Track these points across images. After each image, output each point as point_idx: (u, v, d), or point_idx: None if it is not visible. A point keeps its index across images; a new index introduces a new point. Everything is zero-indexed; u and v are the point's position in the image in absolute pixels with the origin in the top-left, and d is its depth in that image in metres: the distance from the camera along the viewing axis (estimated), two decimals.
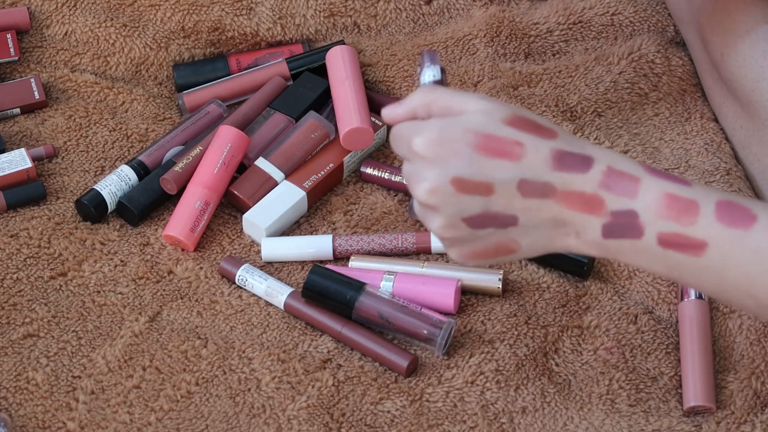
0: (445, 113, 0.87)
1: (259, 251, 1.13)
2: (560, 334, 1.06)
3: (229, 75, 1.27)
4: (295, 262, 1.12)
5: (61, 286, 1.09)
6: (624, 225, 0.83)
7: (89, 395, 1.02)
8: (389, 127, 1.22)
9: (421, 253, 1.12)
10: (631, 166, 0.84)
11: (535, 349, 1.05)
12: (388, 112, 0.91)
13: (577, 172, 0.83)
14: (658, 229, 0.82)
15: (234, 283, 1.10)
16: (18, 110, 1.22)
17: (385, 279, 1.08)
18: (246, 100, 1.24)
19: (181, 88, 1.26)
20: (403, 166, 0.89)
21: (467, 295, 1.09)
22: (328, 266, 1.09)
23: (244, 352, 1.05)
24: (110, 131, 1.21)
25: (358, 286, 1.06)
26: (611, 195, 0.83)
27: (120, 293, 1.09)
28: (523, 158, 0.84)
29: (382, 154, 1.21)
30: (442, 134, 0.85)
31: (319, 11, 1.29)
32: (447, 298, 1.06)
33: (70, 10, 1.28)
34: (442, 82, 0.94)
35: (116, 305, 1.08)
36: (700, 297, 1.06)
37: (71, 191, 1.16)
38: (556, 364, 1.04)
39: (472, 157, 0.84)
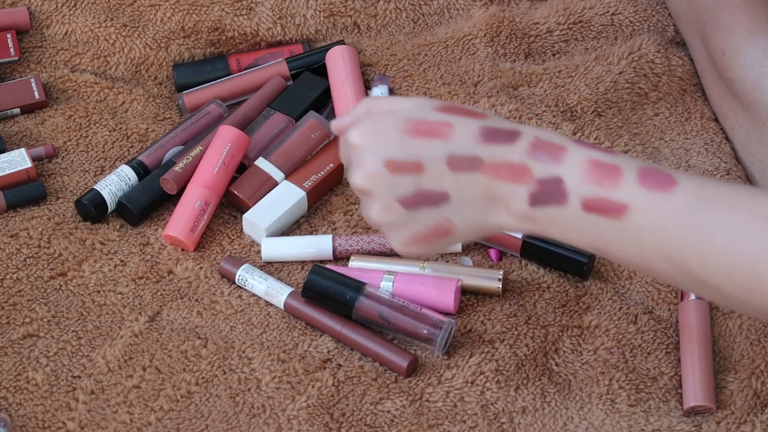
0: (384, 114, 0.91)
1: (259, 251, 1.13)
2: (560, 334, 1.06)
3: (229, 75, 1.27)
4: (295, 262, 1.12)
5: (61, 286, 1.09)
6: (550, 192, 0.84)
7: (89, 395, 1.02)
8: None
9: None
10: (557, 138, 0.86)
11: (535, 349, 1.05)
12: (337, 123, 0.94)
13: (504, 144, 0.86)
14: (582, 193, 0.83)
15: (234, 283, 1.10)
16: (18, 110, 1.22)
17: (385, 279, 1.08)
18: (246, 100, 1.24)
19: (181, 88, 1.26)
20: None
21: (467, 295, 1.09)
22: (328, 266, 1.09)
23: (244, 352, 1.05)
24: (110, 131, 1.21)
25: (358, 286, 1.06)
26: (537, 163, 0.85)
27: (120, 293, 1.09)
28: (451, 136, 0.87)
29: None
30: (376, 125, 0.89)
31: (319, 11, 1.29)
32: (447, 298, 1.06)
33: (70, 10, 1.28)
34: None
35: (116, 305, 1.08)
36: (700, 297, 1.06)
37: (71, 191, 1.16)
38: (556, 364, 1.04)
39: (403, 139, 0.87)
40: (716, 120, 1.22)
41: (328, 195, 1.18)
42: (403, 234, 0.90)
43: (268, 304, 1.09)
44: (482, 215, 0.87)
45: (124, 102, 1.24)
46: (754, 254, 0.78)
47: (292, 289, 1.08)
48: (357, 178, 0.89)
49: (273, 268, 1.12)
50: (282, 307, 1.08)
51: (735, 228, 0.79)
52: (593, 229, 0.83)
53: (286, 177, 1.16)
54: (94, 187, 1.15)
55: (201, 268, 1.11)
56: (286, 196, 1.14)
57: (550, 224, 0.85)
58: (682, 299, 1.07)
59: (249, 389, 1.02)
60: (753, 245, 0.78)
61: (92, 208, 1.13)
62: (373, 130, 0.89)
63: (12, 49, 1.25)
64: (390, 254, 1.12)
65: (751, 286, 0.79)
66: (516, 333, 1.06)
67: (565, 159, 0.84)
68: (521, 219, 0.86)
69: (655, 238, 0.82)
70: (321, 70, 1.25)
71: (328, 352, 1.05)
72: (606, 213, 0.82)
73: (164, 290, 1.10)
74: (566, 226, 0.84)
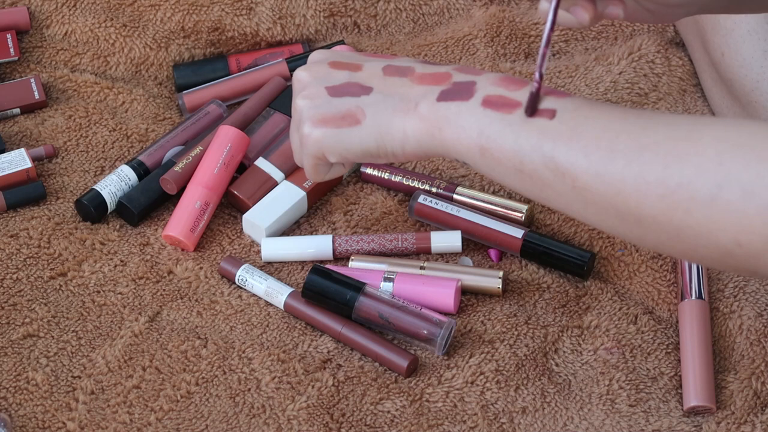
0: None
1: (259, 251, 1.13)
2: (560, 334, 1.06)
3: (229, 75, 1.27)
4: (295, 262, 1.12)
5: (61, 286, 1.09)
6: (459, 90, 0.89)
7: (89, 395, 1.02)
8: None
9: (421, 253, 1.12)
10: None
11: (535, 349, 1.05)
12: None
13: (437, 64, 0.93)
14: (486, 93, 0.87)
15: (234, 283, 1.10)
16: (18, 110, 1.22)
17: (385, 279, 1.08)
18: (246, 100, 1.24)
19: (181, 88, 1.26)
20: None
21: (467, 295, 1.09)
22: (328, 266, 1.09)
23: (244, 352, 1.05)
24: (110, 131, 1.21)
25: (358, 286, 1.06)
26: (460, 74, 0.90)
27: (120, 293, 1.09)
28: (394, 59, 0.96)
29: None
30: (327, 51, 0.99)
31: (319, 11, 1.29)
32: (447, 298, 1.06)
33: (70, 10, 1.28)
34: None
35: (116, 305, 1.08)
36: (700, 297, 1.06)
37: (71, 191, 1.16)
38: (556, 364, 1.04)
39: (351, 54, 0.97)
40: None
41: (328, 195, 1.18)
42: (317, 115, 0.94)
43: (268, 304, 1.09)
44: (391, 116, 0.91)
45: (124, 102, 1.24)
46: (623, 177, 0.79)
47: (292, 289, 1.08)
48: (300, 71, 0.96)
49: (273, 268, 1.12)
50: (282, 307, 1.08)
51: (608, 134, 0.81)
52: (482, 123, 0.86)
53: (286, 177, 1.16)
54: (94, 187, 1.15)
55: (201, 268, 1.11)
56: (286, 196, 1.14)
57: (446, 121, 0.88)
58: (682, 299, 1.07)
59: (249, 389, 1.02)
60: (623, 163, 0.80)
61: (92, 208, 1.13)
62: (326, 53, 0.98)
63: (12, 49, 1.25)
64: (390, 254, 1.12)
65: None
66: (516, 333, 1.06)
67: (483, 73, 0.90)
68: (423, 118, 0.89)
69: (535, 127, 0.85)
70: None
71: (328, 352, 1.05)
72: (500, 108, 0.86)
73: (164, 290, 1.10)
74: (460, 122, 0.88)
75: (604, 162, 0.79)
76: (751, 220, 0.73)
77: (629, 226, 0.80)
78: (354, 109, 0.92)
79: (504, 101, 0.86)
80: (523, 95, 0.86)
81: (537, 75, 0.85)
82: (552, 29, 0.86)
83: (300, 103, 0.95)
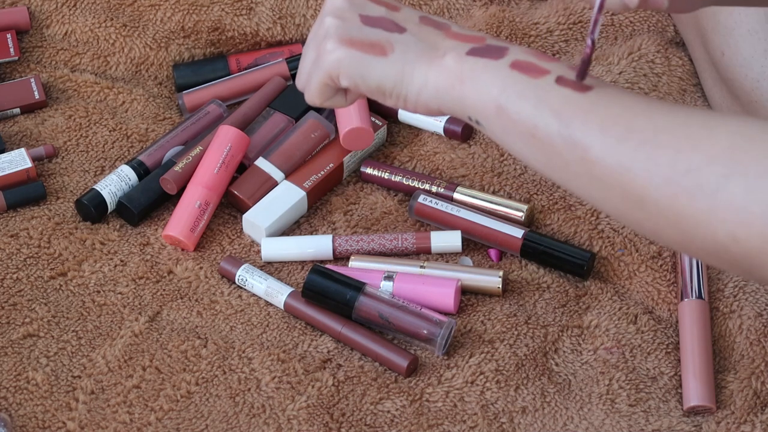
0: None
1: (259, 251, 1.13)
2: (560, 334, 1.06)
3: (229, 75, 1.27)
4: (295, 262, 1.12)
5: (61, 286, 1.09)
6: (490, 50, 0.88)
7: (89, 395, 1.02)
8: (388, 126, 1.22)
9: (421, 253, 1.12)
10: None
11: (535, 349, 1.05)
12: None
13: (474, 30, 0.92)
14: (517, 57, 0.87)
15: (234, 283, 1.10)
16: (18, 110, 1.22)
17: (385, 279, 1.08)
18: (246, 100, 1.24)
19: (181, 88, 1.26)
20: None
21: (467, 295, 1.09)
22: (328, 266, 1.09)
23: (244, 352, 1.05)
24: (110, 131, 1.21)
25: (358, 286, 1.06)
26: (494, 40, 0.89)
27: (120, 293, 1.09)
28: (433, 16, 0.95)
29: (382, 154, 1.21)
30: None
31: (319, 11, 1.29)
32: (447, 298, 1.06)
33: (70, 10, 1.28)
34: None
35: (116, 305, 1.08)
36: (700, 297, 1.06)
37: (71, 191, 1.16)
38: (556, 364, 1.04)
39: None
40: None
41: (328, 195, 1.18)
42: (345, 35, 0.93)
43: (268, 304, 1.09)
44: (417, 59, 0.90)
45: (124, 102, 1.24)
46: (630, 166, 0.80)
47: (292, 289, 1.08)
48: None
49: (273, 268, 1.12)
50: (282, 307, 1.08)
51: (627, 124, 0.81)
52: (506, 81, 0.86)
53: (286, 177, 1.16)
54: (94, 187, 1.15)
55: (201, 268, 1.11)
56: (286, 196, 1.14)
57: (470, 74, 0.88)
58: (682, 299, 1.07)
59: (249, 389, 1.02)
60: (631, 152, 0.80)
61: (92, 208, 1.13)
62: None
63: (12, 49, 1.25)
64: (390, 254, 1.12)
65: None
66: (516, 333, 1.06)
67: (516, 45, 0.90)
68: (446, 69, 0.89)
69: (560, 96, 0.85)
70: None
71: (328, 352, 1.05)
72: (527, 72, 0.86)
73: (164, 290, 1.10)
74: (484, 77, 0.87)
75: (618, 139, 0.80)
76: (752, 215, 0.73)
77: (630, 208, 0.80)
78: (383, 42, 0.92)
79: (533, 67, 0.86)
80: (553, 67, 0.85)
81: (589, 41, 0.84)
82: None
83: (329, 20, 0.93)
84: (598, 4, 0.84)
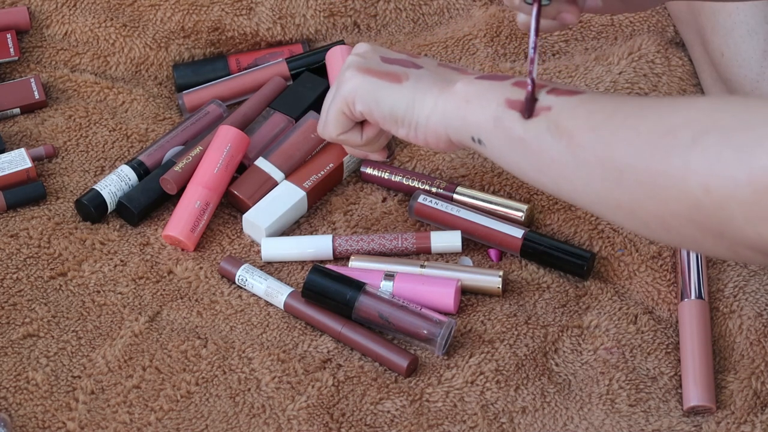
0: None
1: (259, 251, 1.13)
2: (560, 334, 1.06)
3: (229, 75, 1.27)
4: (295, 262, 1.12)
5: (61, 286, 1.09)
6: (498, 77, 0.93)
7: (89, 395, 1.02)
8: None
9: (421, 253, 1.12)
10: None
11: (535, 349, 1.05)
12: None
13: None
14: (519, 78, 0.91)
15: (234, 283, 1.10)
16: (18, 110, 1.22)
17: (385, 279, 1.08)
18: (246, 100, 1.24)
19: (181, 88, 1.26)
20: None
21: (467, 295, 1.09)
22: (328, 266, 1.09)
23: (244, 352, 1.05)
24: (110, 131, 1.21)
25: (358, 286, 1.06)
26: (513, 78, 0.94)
27: (120, 293, 1.09)
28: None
29: None
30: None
31: (319, 11, 1.29)
32: (447, 298, 1.06)
33: (70, 10, 1.28)
34: None
35: (116, 305, 1.08)
36: (700, 297, 1.06)
37: (71, 191, 1.16)
38: (556, 364, 1.04)
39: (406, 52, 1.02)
40: None
41: (328, 195, 1.18)
42: (363, 65, 0.99)
43: (268, 304, 1.09)
44: (429, 87, 0.95)
45: (124, 102, 1.24)
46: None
47: (292, 289, 1.08)
48: (363, 43, 1.02)
49: (273, 268, 1.12)
50: (282, 307, 1.08)
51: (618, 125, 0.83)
52: (507, 92, 0.90)
53: (286, 177, 1.16)
54: (94, 187, 1.15)
55: (201, 268, 1.11)
56: (286, 196, 1.14)
57: (475, 94, 0.92)
58: (682, 299, 1.07)
59: (249, 389, 1.02)
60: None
61: (92, 208, 1.13)
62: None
63: (12, 49, 1.25)
64: (390, 254, 1.12)
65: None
66: (516, 333, 1.06)
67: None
68: (454, 93, 0.93)
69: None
70: (321, 70, 1.25)
71: (328, 352, 1.05)
72: (525, 86, 0.89)
73: (164, 290, 1.10)
74: (488, 95, 0.91)
75: (603, 120, 0.83)
76: (724, 162, 0.74)
77: (609, 187, 0.81)
78: (400, 73, 0.97)
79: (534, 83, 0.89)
80: (549, 83, 0.89)
81: (529, 80, 0.88)
82: (537, 36, 0.90)
83: (351, 58, 0.99)
84: (532, 45, 0.89)
